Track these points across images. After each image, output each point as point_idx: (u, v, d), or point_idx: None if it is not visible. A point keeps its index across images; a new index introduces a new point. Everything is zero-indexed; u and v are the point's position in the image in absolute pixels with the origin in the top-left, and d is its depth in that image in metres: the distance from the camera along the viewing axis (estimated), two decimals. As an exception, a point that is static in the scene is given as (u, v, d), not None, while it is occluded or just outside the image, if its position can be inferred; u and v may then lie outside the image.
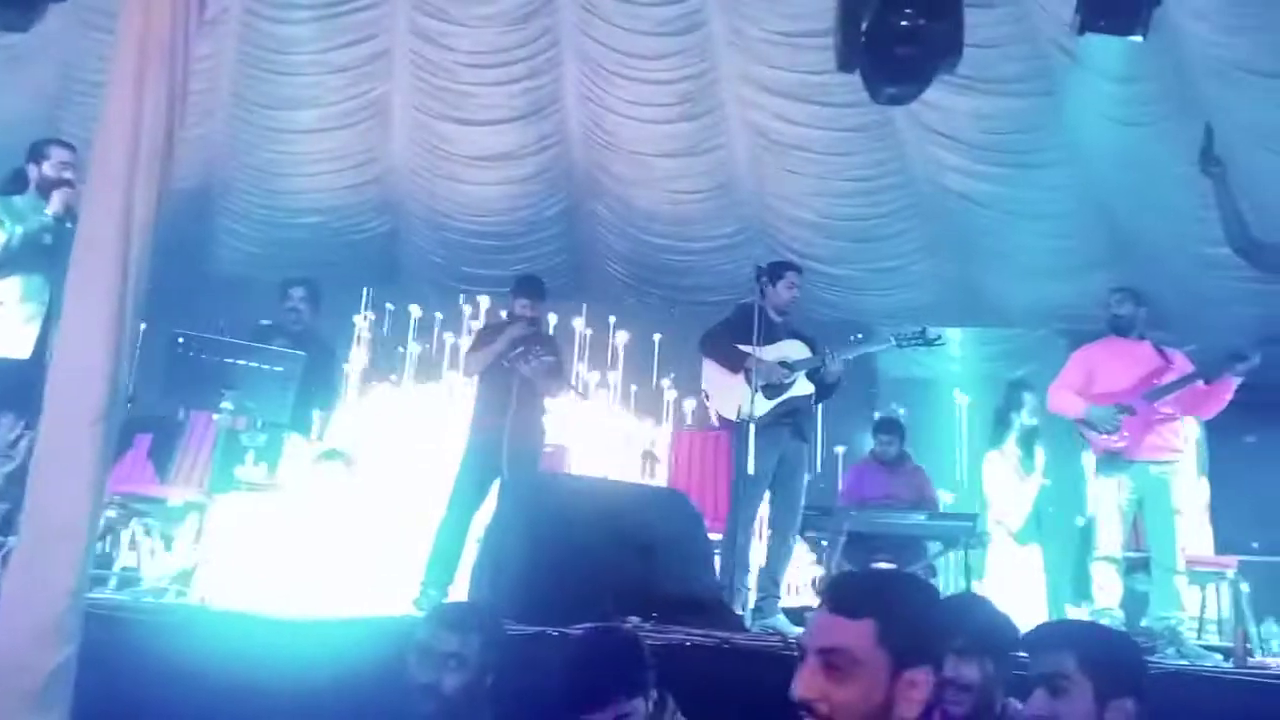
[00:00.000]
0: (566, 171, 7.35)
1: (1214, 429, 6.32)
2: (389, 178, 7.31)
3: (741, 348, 4.46)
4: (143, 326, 2.74)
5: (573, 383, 6.73)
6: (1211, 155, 3.98)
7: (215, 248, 7.35)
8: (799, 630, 4.04)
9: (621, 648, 2.44)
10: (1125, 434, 4.32)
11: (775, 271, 4.74)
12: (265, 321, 5.21)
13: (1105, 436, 4.35)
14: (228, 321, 6.35)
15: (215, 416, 4.10)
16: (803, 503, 4.66)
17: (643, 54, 6.89)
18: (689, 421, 6.87)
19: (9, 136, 6.11)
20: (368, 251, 7.43)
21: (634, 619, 3.33)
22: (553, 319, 7.02)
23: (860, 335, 4.82)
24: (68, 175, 3.94)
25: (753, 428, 4.15)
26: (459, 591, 4.83)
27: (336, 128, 7.05)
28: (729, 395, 4.45)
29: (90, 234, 2.58)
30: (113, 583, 4.52)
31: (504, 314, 5.48)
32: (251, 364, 4.00)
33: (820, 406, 4.96)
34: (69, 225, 3.85)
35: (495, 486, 4.92)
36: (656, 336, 7.33)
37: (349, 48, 6.82)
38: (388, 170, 7.28)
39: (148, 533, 4.70)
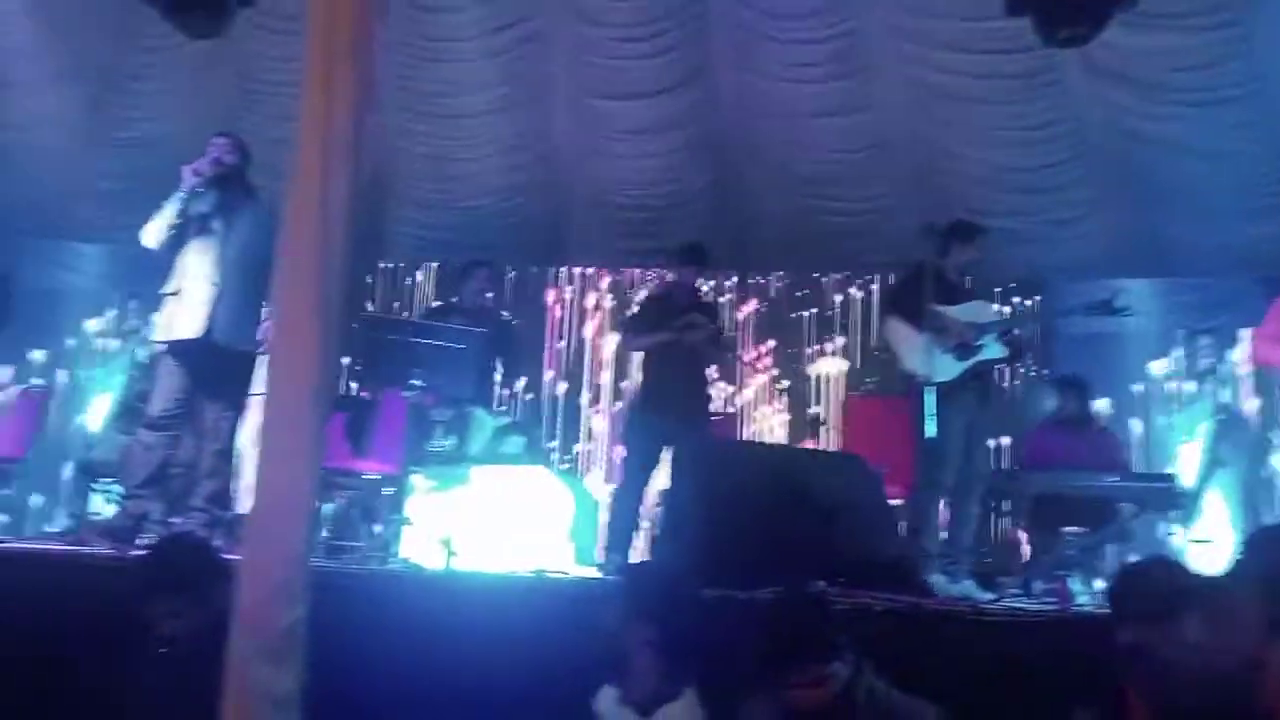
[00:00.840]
0: (719, 139, 7.31)
1: None
2: (550, 156, 7.45)
3: (934, 307, 4.31)
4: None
5: (735, 350, 6.76)
6: None
7: (388, 234, 7.68)
8: (989, 596, 3.97)
9: (815, 610, 2.45)
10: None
11: (963, 232, 4.58)
12: (436, 303, 5.46)
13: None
14: (402, 305, 6.71)
15: (405, 394, 4.30)
16: (986, 467, 4.54)
17: (792, 14, 6.77)
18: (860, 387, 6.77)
19: (197, 140, 6.58)
20: (532, 230, 7.61)
21: (819, 583, 3.33)
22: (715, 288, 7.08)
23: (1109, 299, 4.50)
24: (214, 154, 4.24)
25: (934, 391, 4.04)
26: (638, 555, 4.97)
27: (500, 110, 7.23)
28: (918, 357, 4.28)
29: (293, 226, 2.75)
30: (320, 550, 4.83)
31: (667, 278, 5.55)
32: (436, 343, 4.20)
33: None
34: (212, 200, 4.20)
35: (666, 454, 5.03)
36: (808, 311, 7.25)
37: (506, 30, 6.96)
38: (550, 149, 7.42)
39: (349, 504, 5.00)
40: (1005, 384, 5.44)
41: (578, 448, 7.37)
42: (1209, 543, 4.90)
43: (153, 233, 4.19)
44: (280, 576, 2.50)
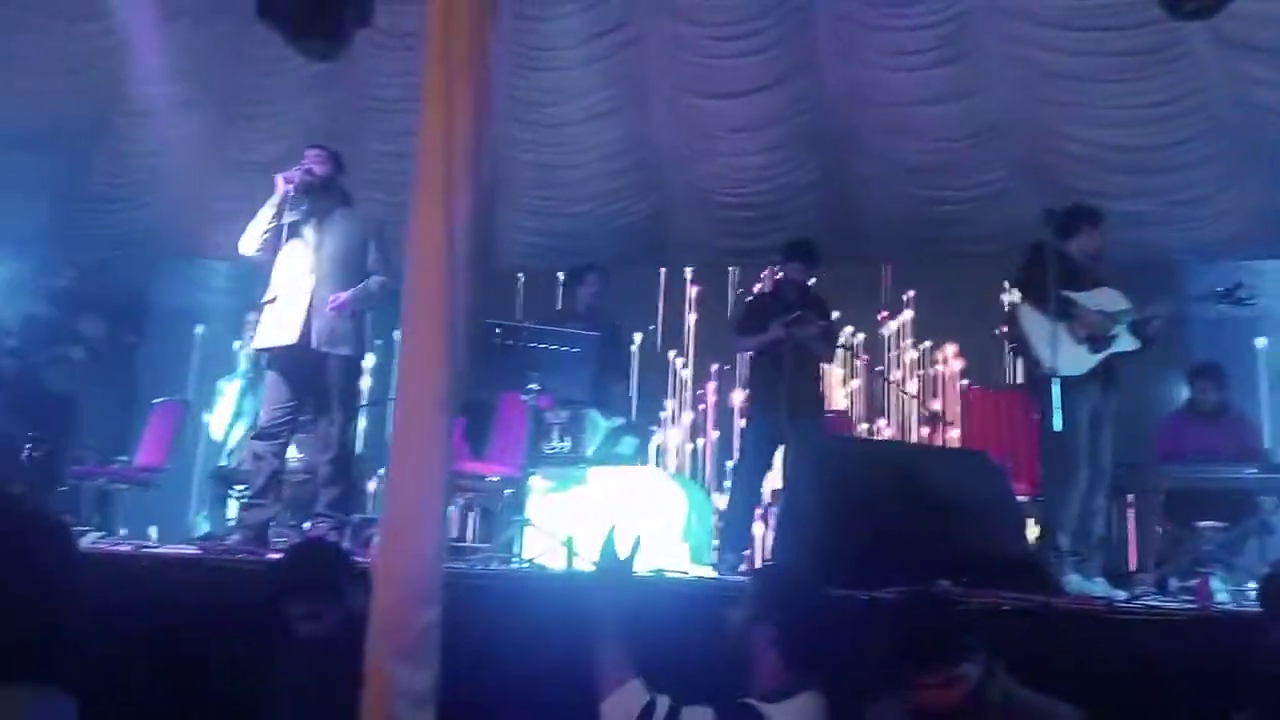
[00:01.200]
0: (823, 132, 7.24)
1: None
2: (652, 158, 7.50)
3: (1068, 294, 4.14)
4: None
5: (847, 346, 6.69)
6: None
7: (499, 241, 7.85)
8: (1123, 594, 3.83)
9: (944, 610, 2.41)
10: None
11: (1089, 215, 4.41)
12: (558, 308, 5.54)
13: None
14: (512, 309, 6.83)
15: (523, 397, 4.39)
16: (1111, 459, 4.37)
17: (897, 0, 6.66)
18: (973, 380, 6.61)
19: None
20: (635, 233, 7.67)
21: (944, 582, 3.27)
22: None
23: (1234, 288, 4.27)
24: (306, 164, 4.36)
25: (1059, 383, 3.89)
26: (752, 556, 4.97)
27: (601, 115, 7.31)
28: (1050, 347, 4.06)
29: (418, 238, 2.84)
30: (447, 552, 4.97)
31: (777, 275, 5.53)
32: (552, 346, 4.27)
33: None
34: (304, 208, 4.31)
35: (779, 453, 5.02)
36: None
37: (605, 36, 7.04)
38: (650, 151, 7.47)
39: (469, 506, 5.13)
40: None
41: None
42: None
43: (248, 240, 4.32)
44: (415, 579, 2.59)
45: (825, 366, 5.62)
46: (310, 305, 4.20)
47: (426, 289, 2.77)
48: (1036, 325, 4.17)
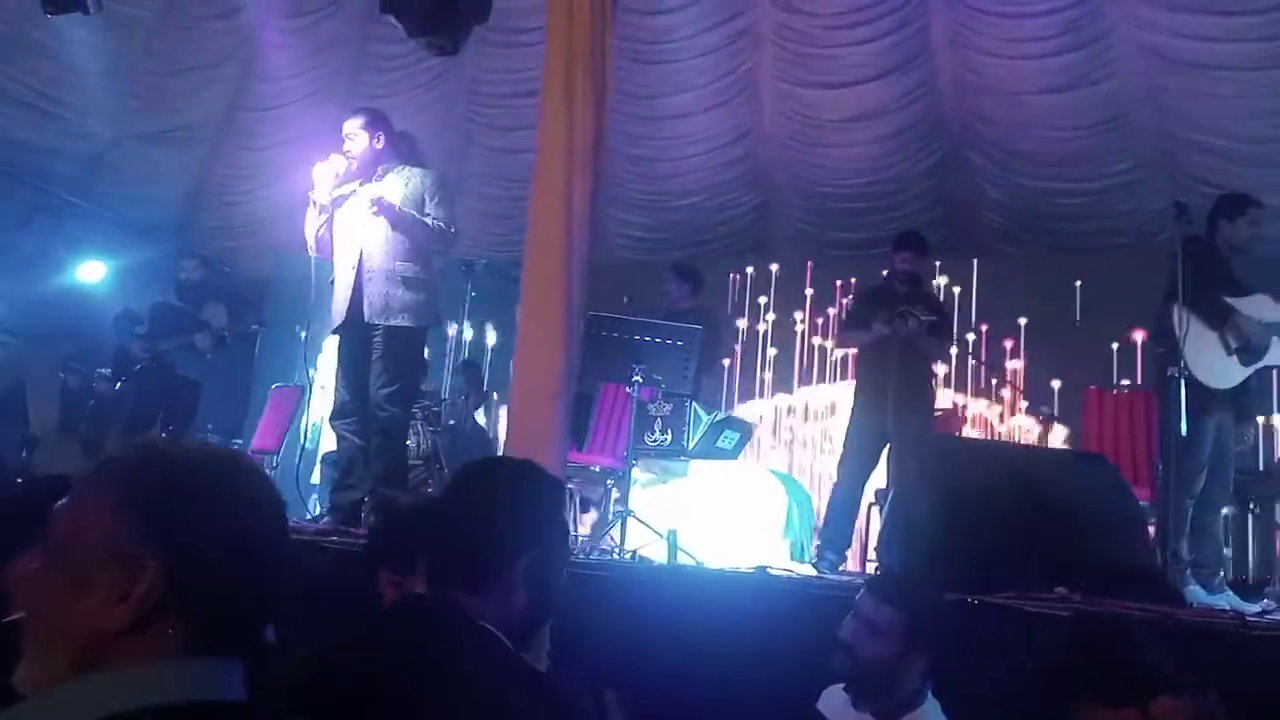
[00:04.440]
0: (937, 122, 7.07)
1: None
2: (760, 150, 7.45)
3: (1226, 301, 3.90)
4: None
5: (958, 342, 6.53)
6: None
7: (605, 235, 7.90)
8: (1254, 608, 3.64)
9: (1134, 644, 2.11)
10: None
11: (1237, 205, 4.16)
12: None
13: None
14: (617, 302, 6.87)
15: (626, 389, 4.42)
16: (1233, 464, 4.16)
17: (1020, -14, 6.46)
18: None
19: (431, 150, 7.00)
20: (742, 226, 7.64)
21: (1061, 589, 3.16)
22: (940, 280, 6.87)
23: None
24: (343, 146, 4.15)
25: (1198, 390, 3.68)
26: (853, 554, 4.90)
27: (710, 108, 7.30)
28: (1203, 356, 3.87)
29: (538, 230, 2.90)
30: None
31: (884, 272, 5.43)
32: (655, 339, 4.28)
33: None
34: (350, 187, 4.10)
35: (885, 451, 4.93)
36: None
37: (716, 29, 7.01)
38: (758, 143, 7.42)
39: (571, 495, 5.19)
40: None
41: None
42: None
43: (310, 242, 4.19)
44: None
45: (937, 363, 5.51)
46: (358, 278, 4.06)
47: (545, 279, 2.83)
48: (1194, 332, 3.92)
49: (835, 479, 5.24)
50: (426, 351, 4.85)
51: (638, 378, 4.31)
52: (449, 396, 6.45)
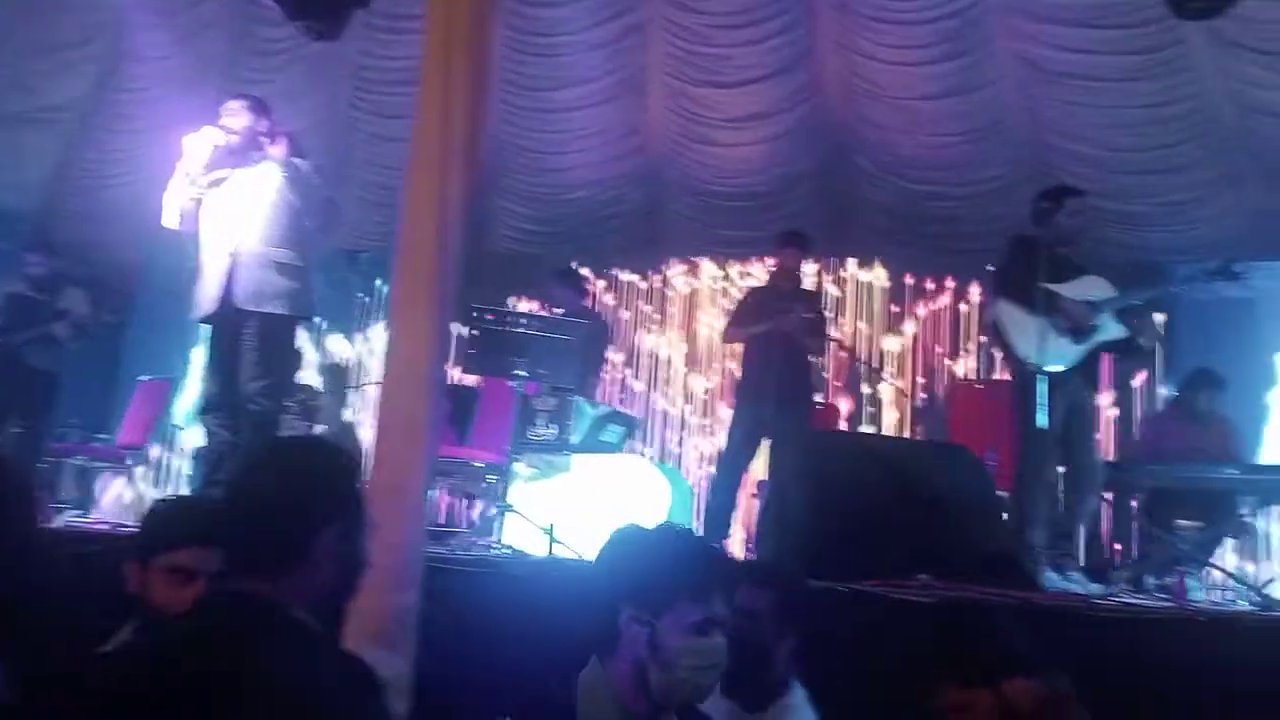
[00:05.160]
0: (823, 124, 7.23)
1: None
2: (650, 146, 7.49)
3: (1047, 286, 4.05)
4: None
5: (837, 339, 6.69)
6: None
7: (494, 226, 7.83)
8: (1099, 590, 3.84)
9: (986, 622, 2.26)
10: None
11: (1055, 197, 4.32)
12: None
13: None
14: (506, 295, 6.83)
15: (510, 383, 4.39)
16: (1096, 456, 4.37)
17: (903, -8, 6.65)
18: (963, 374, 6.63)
19: (314, 138, 6.81)
20: (629, 221, 7.67)
21: (924, 576, 3.28)
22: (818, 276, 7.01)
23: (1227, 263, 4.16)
24: (219, 121, 4.01)
25: (1041, 377, 3.88)
26: (734, 545, 4.98)
27: (600, 103, 7.30)
28: (1031, 341, 4.03)
29: (411, 218, 2.84)
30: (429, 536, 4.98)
31: (769, 269, 5.54)
32: (540, 333, 4.26)
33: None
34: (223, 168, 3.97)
35: (766, 444, 5.02)
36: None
37: (607, 23, 7.02)
38: (648, 139, 7.46)
39: (451, 491, 5.14)
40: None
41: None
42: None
43: (168, 214, 4.02)
44: (392, 562, 2.59)
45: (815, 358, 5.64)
46: (232, 264, 3.90)
47: (417, 268, 2.77)
48: (1017, 321, 4.14)
49: (717, 471, 5.33)
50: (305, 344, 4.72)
51: (522, 372, 4.29)
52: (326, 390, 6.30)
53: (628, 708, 1.83)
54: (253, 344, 3.97)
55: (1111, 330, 4.14)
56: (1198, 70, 6.25)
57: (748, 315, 5.27)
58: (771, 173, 7.26)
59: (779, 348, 5.04)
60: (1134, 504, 4.82)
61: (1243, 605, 3.85)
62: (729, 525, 5.15)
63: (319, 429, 5.64)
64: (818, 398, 5.84)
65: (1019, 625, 2.42)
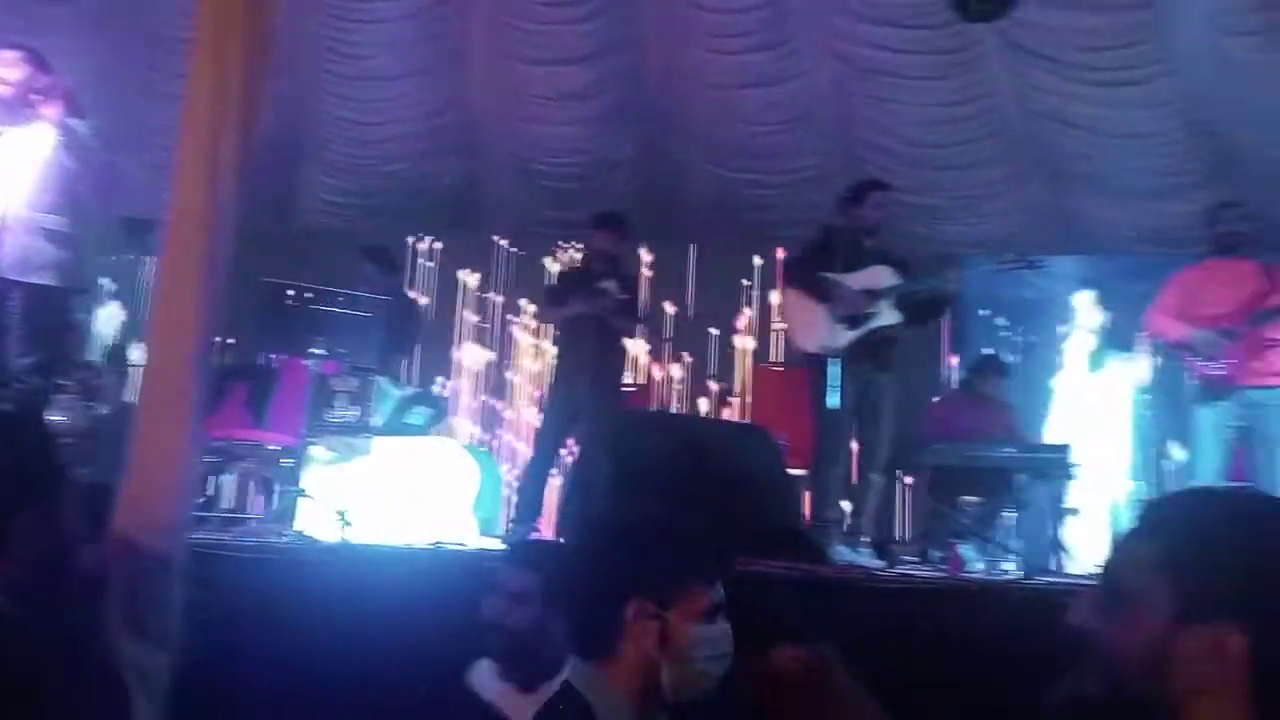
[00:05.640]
0: (644, 109, 7.26)
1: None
2: (468, 121, 7.33)
3: (827, 275, 4.29)
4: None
5: (650, 321, 6.76)
6: None
7: (304, 199, 7.50)
8: (882, 563, 4.04)
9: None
10: (1229, 359, 4.14)
11: (859, 191, 4.56)
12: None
13: (1207, 362, 4.17)
14: (320, 271, 6.53)
15: (306, 363, 4.20)
16: (887, 436, 4.58)
17: (721, -18, 6.74)
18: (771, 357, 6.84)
19: (99, 94, 6.32)
20: (449, 197, 7.50)
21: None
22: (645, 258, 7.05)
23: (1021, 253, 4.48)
24: None
25: (831, 361, 4.05)
26: (547, 527, 4.96)
27: (418, 72, 7.08)
28: (810, 327, 4.29)
29: (180, 182, 2.65)
30: (216, 522, 4.73)
31: (583, 251, 5.53)
32: (338, 310, 4.09)
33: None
34: None
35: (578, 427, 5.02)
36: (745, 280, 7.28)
37: (427, -9, 6.82)
38: (469, 113, 7.31)
39: (247, 475, 4.89)
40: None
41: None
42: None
43: None
44: (154, 550, 2.43)
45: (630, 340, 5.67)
46: None
47: (184, 239, 2.58)
48: (798, 308, 4.34)
49: (531, 452, 5.29)
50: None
51: (319, 350, 4.12)
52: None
53: (639, 710, 1.67)
54: (18, 317, 3.66)
55: (886, 317, 4.35)
56: (990, 72, 6.63)
57: (561, 297, 5.25)
58: (592, 154, 7.25)
59: (592, 329, 5.04)
60: (912, 481, 5.07)
61: (1014, 574, 4.13)
62: (541, 508, 5.12)
63: (102, 410, 5.25)
64: (629, 379, 5.88)
65: (792, 596, 2.50)
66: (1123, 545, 1.08)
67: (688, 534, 1.77)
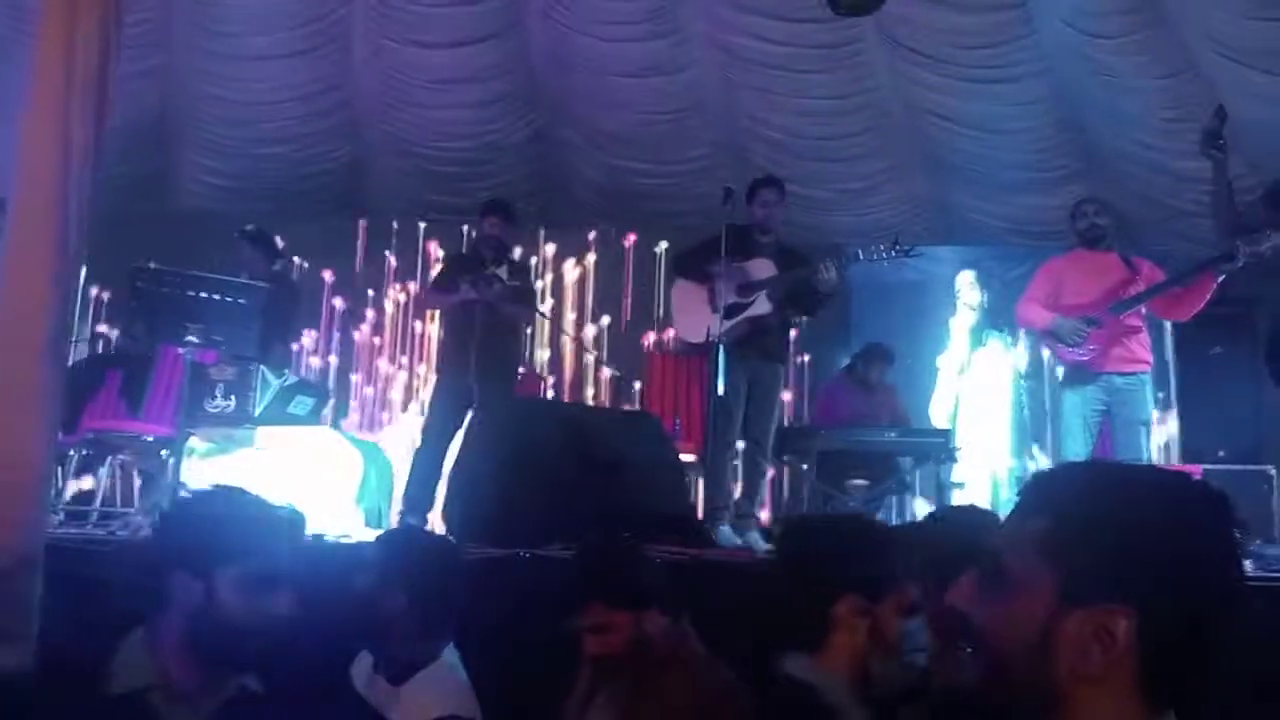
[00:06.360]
0: (533, 94, 7.21)
1: (1182, 341, 6.41)
2: (351, 104, 7.15)
3: (709, 269, 4.41)
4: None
5: (540, 308, 6.72)
6: (1218, 137, 3.90)
7: (181, 181, 7.21)
8: (769, 547, 4.12)
9: (611, 558, 2.34)
10: (1091, 346, 4.34)
11: (751, 188, 4.67)
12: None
13: (1071, 349, 4.37)
14: (199, 256, 6.29)
15: (180, 350, 4.05)
16: (774, 423, 4.67)
17: (609, -31, 6.74)
18: (665, 346, 6.87)
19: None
20: (332, 181, 7.31)
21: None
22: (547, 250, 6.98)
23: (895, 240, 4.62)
24: None
25: (720, 349, 4.14)
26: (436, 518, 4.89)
27: (295, 54, 6.87)
28: (693, 317, 4.41)
29: (30, 163, 2.52)
30: (94, 517, 4.53)
31: (471, 234, 5.46)
32: (214, 296, 3.93)
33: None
34: None
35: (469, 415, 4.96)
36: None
37: (304, -32, 6.62)
38: (350, 96, 7.12)
39: (122, 468, 4.70)
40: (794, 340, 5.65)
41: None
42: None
43: None
44: (7, 546, 2.32)
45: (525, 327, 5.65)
46: None
47: (33, 219, 2.46)
48: (681, 297, 4.47)
49: (420, 442, 5.21)
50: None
51: (193, 338, 3.96)
52: None
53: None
54: None
55: (760, 306, 4.45)
56: (872, 67, 6.80)
57: (448, 281, 5.17)
58: (480, 139, 7.16)
59: (480, 316, 4.98)
60: (805, 466, 5.20)
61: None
62: (433, 500, 5.05)
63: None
64: (521, 368, 5.83)
65: (675, 578, 2.54)
66: (1005, 525, 1.03)
67: (892, 535, 1.90)
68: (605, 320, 7.29)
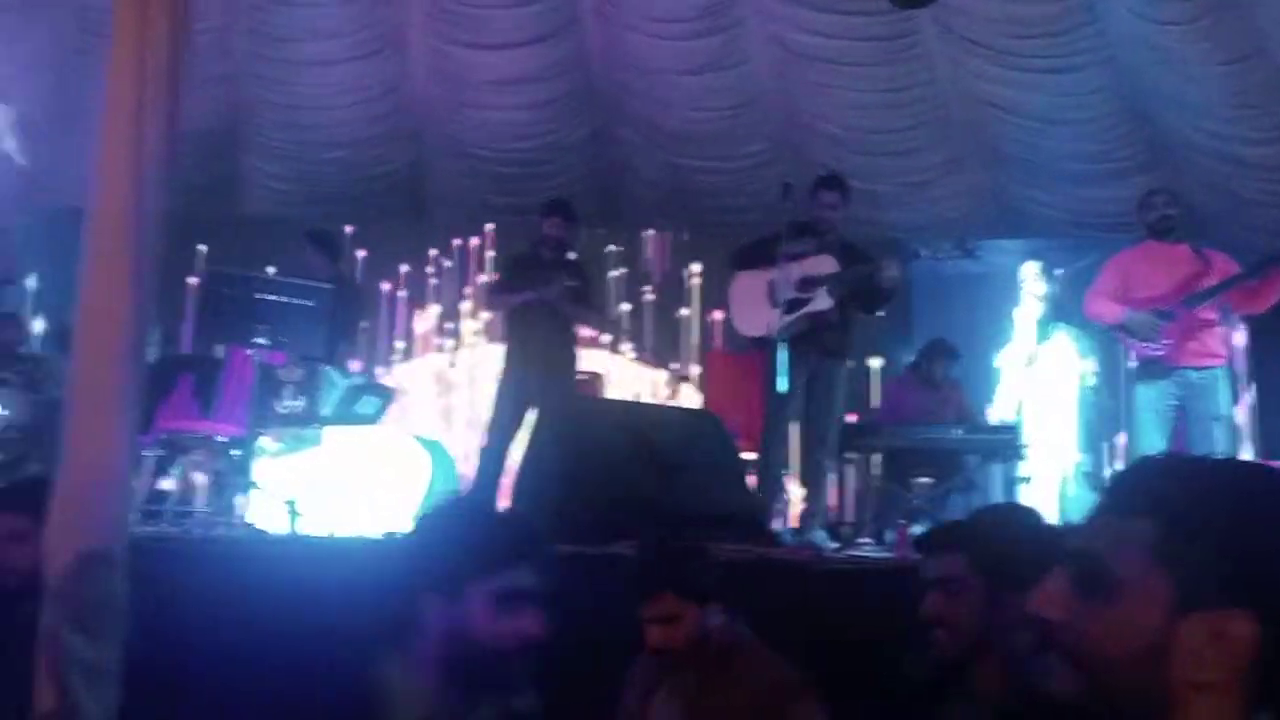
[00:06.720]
0: (589, 93, 7.23)
1: (1260, 333, 6.21)
2: (410, 107, 7.24)
3: (772, 257, 4.34)
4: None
5: (602, 308, 6.73)
6: None
7: (247, 187, 7.36)
8: (833, 545, 4.09)
9: (677, 553, 2.38)
10: (1165, 340, 4.24)
11: (814, 187, 4.62)
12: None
13: (1144, 343, 4.27)
14: (267, 260, 6.43)
15: (249, 352, 4.13)
16: (836, 419, 4.62)
17: (663, -33, 6.73)
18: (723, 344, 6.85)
19: (32, 81, 6.14)
20: (394, 183, 7.41)
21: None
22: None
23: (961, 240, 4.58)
24: None
25: (780, 345, 4.10)
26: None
27: (354, 58, 6.97)
28: (753, 313, 4.36)
29: (105, 170, 2.59)
30: (167, 515, 4.65)
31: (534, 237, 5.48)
32: (281, 298, 4.02)
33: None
34: None
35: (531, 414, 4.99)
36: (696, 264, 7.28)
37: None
38: (408, 100, 7.22)
39: (196, 468, 4.81)
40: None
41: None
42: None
43: None
44: (92, 544, 2.39)
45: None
46: None
47: (110, 229, 2.52)
48: (740, 291, 4.41)
49: (484, 442, 5.27)
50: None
51: (261, 340, 4.05)
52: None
53: None
54: None
55: (821, 303, 4.38)
56: (929, 59, 6.71)
57: (511, 284, 5.22)
58: (539, 140, 7.21)
59: (543, 317, 5.02)
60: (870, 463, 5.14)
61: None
62: (495, 495, 5.09)
63: (47, 400, 5.12)
64: (583, 368, 5.85)
65: (720, 568, 2.57)
66: (1100, 525, 0.95)
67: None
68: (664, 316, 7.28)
